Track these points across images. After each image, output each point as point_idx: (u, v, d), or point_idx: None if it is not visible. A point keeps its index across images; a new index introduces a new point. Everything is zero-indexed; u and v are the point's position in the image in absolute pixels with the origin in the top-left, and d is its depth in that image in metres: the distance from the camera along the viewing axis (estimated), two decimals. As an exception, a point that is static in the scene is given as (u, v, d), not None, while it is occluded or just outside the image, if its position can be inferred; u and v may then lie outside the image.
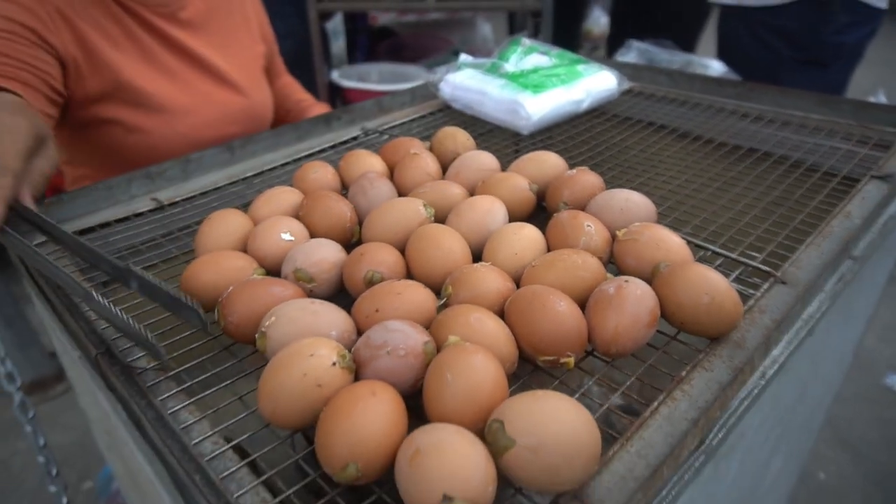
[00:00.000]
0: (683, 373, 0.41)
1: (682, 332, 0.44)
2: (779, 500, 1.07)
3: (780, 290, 0.48)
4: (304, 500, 0.34)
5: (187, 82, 0.92)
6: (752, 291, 0.47)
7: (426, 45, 2.15)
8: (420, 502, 0.30)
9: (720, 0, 1.48)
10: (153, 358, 0.41)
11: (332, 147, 0.77)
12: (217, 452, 0.35)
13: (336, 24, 2.09)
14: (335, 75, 1.88)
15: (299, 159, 0.74)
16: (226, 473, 0.34)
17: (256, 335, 0.41)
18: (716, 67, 0.98)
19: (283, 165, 0.73)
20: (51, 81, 0.75)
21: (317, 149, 0.76)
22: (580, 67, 0.85)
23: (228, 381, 0.41)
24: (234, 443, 0.36)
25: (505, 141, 0.81)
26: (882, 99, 0.91)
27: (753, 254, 0.52)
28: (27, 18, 0.74)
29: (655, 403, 0.38)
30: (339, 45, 2.15)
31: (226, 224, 0.52)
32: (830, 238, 0.54)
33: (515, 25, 2.61)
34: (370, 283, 0.46)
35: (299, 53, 1.92)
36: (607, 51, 2.57)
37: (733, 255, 0.52)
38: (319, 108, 1.12)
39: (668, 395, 0.39)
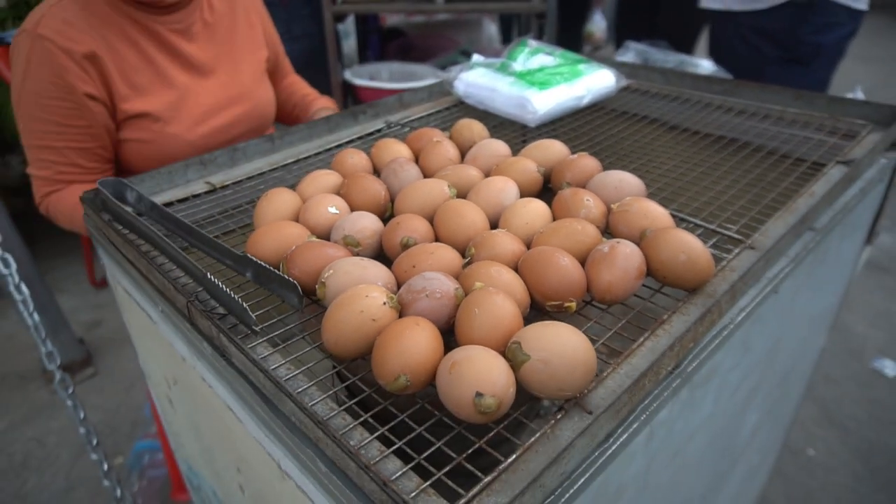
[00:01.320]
0: (665, 316, 0.50)
1: (664, 285, 0.53)
2: (762, 467, 1.17)
3: (749, 254, 0.57)
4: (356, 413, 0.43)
5: (198, 95, 1.01)
6: (725, 255, 0.56)
7: (434, 45, 2.24)
8: (458, 398, 0.39)
9: (710, 6, 1.58)
10: (241, 322, 0.49)
11: (360, 138, 0.86)
12: (290, 375, 0.45)
13: (347, 25, 2.19)
14: (348, 74, 1.97)
15: (330, 149, 0.84)
16: (299, 390, 0.43)
17: (317, 285, 0.50)
18: (706, 66, 1.06)
19: (316, 154, 0.82)
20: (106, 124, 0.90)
21: (346, 139, 0.86)
22: (581, 66, 0.94)
23: (292, 325, 0.50)
24: (304, 367, 0.46)
25: (514, 132, 0.90)
26: (860, 95, 0.99)
27: (729, 226, 0.62)
28: (73, 80, 0.87)
29: (641, 339, 0.48)
30: (350, 45, 2.24)
31: (280, 200, 0.62)
32: (795, 213, 0.63)
33: (515, 27, 2.70)
34: (405, 246, 0.55)
35: (314, 53, 2.02)
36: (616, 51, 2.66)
37: (712, 227, 0.61)
38: (324, 101, 1.20)
39: (652, 333, 0.48)
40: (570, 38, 2.62)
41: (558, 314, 0.50)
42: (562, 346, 0.41)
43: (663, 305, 0.52)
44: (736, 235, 0.59)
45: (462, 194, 0.64)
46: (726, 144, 0.79)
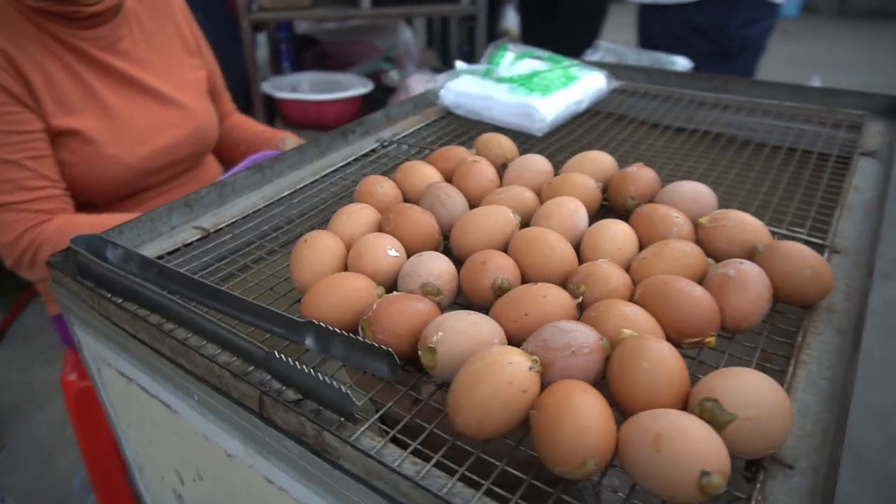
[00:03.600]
0: (799, 338, 0.46)
1: (778, 302, 0.49)
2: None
3: (837, 258, 0.54)
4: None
5: (134, 114, 0.93)
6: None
7: (352, 51, 2.13)
8: (672, 479, 0.32)
9: (639, 0, 1.61)
10: (336, 412, 0.39)
11: (356, 160, 0.77)
12: (424, 471, 0.36)
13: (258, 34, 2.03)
14: (266, 87, 1.82)
15: (327, 175, 0.73)
16: (444, 490, 0.35)
17: (421, 350, 0.42)
18: (681, 63, 1.06)
19: (314, 183, 0.72)
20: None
21: (340, 162, 0.76)
22: (574, 70, 0.89)
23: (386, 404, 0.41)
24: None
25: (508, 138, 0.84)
26: (818, 83, 1.03)
27: (798, 230, 0.59)
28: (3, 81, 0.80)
29: (791, 368, 0.43)
30: (261, 56, 2.09)
31: (323, 246, 0.51)
32: (853, 209, 0.62)
33: (436, 30, 2.64)
34: (501, 290, 0.47)
35: (224, 65, 1.85)
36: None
37: (783, 231, 0.58)
38: (289, 136, 1.11)
39: (798, 360, 0.44)
40: (488, 36, 2.60)
41: (691, 349, 0.45)
42: (767, 399, 0.35)
43: (784, 325, 0.48)
44: (817, 240, 0.57)
45: (525, 221, 0.56)
46: (743, 143, 0.77)
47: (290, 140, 1.08)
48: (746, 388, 0.35)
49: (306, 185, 0.71)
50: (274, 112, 1.92)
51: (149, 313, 0.49)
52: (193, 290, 0.50)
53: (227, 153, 1.16)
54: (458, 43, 2.27)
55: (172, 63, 0.99)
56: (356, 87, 1.85)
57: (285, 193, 0.69)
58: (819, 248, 0.56)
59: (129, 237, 0.59)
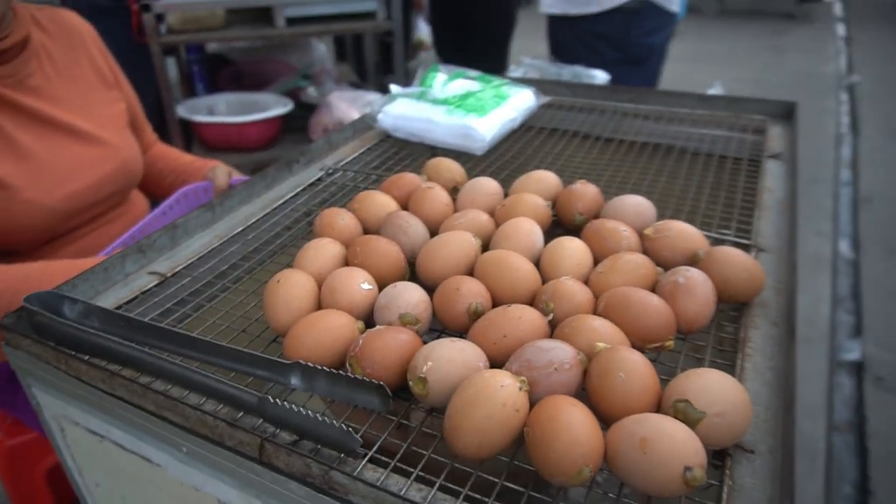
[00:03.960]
0: (742, 334, 0.51)
1: (720, 302, 0.55)
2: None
3: (764, 256, 0.61)
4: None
5: (51, 154, 0.90)
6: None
7: (267, 70, 2.10)
8: (661, 478, 0.36)
9: (549, 11, 1.69)
10: (337, 449, 0.41)
11: (304, 190, 0.77)
12: (430, 496, 0.38)
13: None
14: (181, 110, 1.77)
15: (277, 207, 0.73)
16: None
17: (412, 381, 0.44)
18: (600, 77, 1.13)
19: (265, 217, 0.72)
20: None
21: (289, 194, 0.76)
22: (504, 88, 0.94)
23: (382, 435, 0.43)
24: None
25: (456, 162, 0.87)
26: (720, 90, 1.12)
27: (726, 231, 0.65)
28: None
29: (739, 361, 0.48)
30: (171, 78, 2.01)
31: (297, 284, 0.52)
32: (769, 209, 0.69)
33: (348, 46, 2.64)
34: (475, 313, 0.50)
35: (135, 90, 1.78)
36: (438, 57, 2.72)
37: (713, 235, 0.64)
38: (219, 165, 1.09)
39: (742, 354, 0.49)
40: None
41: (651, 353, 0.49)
42: (731, 395, 0.40)
43: (720, 321, 0.54)
44: (743, 241, 0.63)
45: (484, 243, 0.59)
46: (666, 151, 0.84)
47: (221, 169, 1.06)
48: (711, 388, 0.40)
49: (258, 220, 0.71)
50: (191, 136, 1.86)
51: (120, 368, 0.48)
52: (167, 341, 0.50)
53: (152, 185, 1.12)
54: (374, 56, 2.28)
55: (89, 98, 0.96)
56: (276, 106, 1.83)
57: (238, 230, 0.68)
58: (746, 248, 0.62)
59: (84, 289, 0.58)
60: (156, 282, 0.61)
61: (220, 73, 2.07)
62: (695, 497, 0.39)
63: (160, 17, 1.65)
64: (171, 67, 2.06)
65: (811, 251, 2.36)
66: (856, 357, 1.98)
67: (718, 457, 0.41)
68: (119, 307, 0.57)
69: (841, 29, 5.32)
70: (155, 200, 1.13)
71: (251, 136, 1.78)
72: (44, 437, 0.79)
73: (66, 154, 0.90)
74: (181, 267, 0.63)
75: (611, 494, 0.40)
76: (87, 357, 0.49)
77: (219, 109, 1.88)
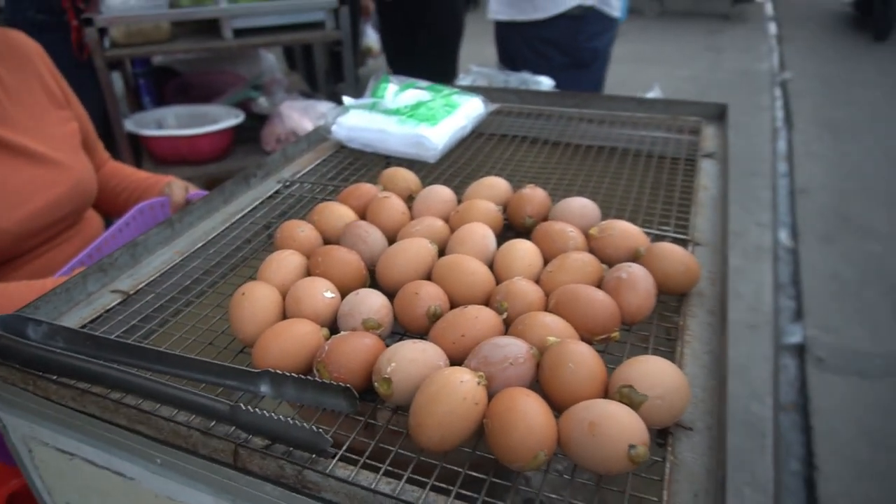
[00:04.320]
0: (681, 322, 0.55)
1: (661, 294, 0.59)
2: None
3: (700, 250, 0.66)
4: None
5: (3, 177, 0.89)
6: (683, 255, 0.64)
7: (216, 81, 2.08)
8: (609, 457, 0.40)
9: (496, 17, 1.73)
10: (309, 450, 0.43)
11: (262, 203, 0.79)
12: (399, 488, 0.41)
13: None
14: (129, 125, 1.74)
15: (236, 221, 0.75)
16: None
17: (377, 381, 0.46)
18: (546, 83, 1.17)
19: (225, 231, 0.73)
20: None
21: (248, 207, 0.77)
22: (455, 97, 0.97)
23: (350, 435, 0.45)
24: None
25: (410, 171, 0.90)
26: (658, 92, 1.18)
27: (665, 227, 0.70)
28: None
29: (678, 348, 0.52)
30: (117, 92, 1.98)
31: (262, 296, 0.54)
32: (704, 206, 0.74)
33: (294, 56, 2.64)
34: (434, 315, 0.53)
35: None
36: (387, 64, 2.75)
37: (655, 231, 0.69)
38: (174, 180, 1.10)
39: (683, 341, 0.53)
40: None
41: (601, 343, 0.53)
42: (669, 379, 0.43)
43: (663, 312, 0.58)
44: (681, 236, 0.68)
45: (441, 248, 0.62)
46: (609, 152, 0.89)
47: (177, 184, 1.07)
48: (652, 373, 0.44)
49: (218, 234, 0.72)
50: (140, 151, 1.84)
51: (90, 386, 0.49)
52: (136, 357, 0.51)
53: (107, 204, 1.12)
54: (324, 65, 2.29)
55: (41, 119, 0.95)
56: (227, 118, 1.82)
57: (199, 245, 0.70)
58: (684, 243, 0.67)
59: (46, 311, 0.58)
60: (119, 300, 0.62)
61: (167, 86, 2.04)
62: (641, 473, 0.42)
63: (103, 32, 1.62)
64: (117, 81, 2.02)
65: (753, 242, 2.47)
66: (798, 340, 2.09)
67: (662, 435, 0.45)
68: (83, 327, 0.58)
69: (773, 28, 5.57)
70: (110, 219, 1.13)
71: (203, 149, 1.77)
72: (3, 463, 0.78)
73: (20, 176, 0.89)
74: (143, 284, 0.64)
75: (566, 476, 0.43)
76: (55, 377, 0.50)
77: (168, 123, 1.86)
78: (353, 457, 0.44)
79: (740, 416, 1.72)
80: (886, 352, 1.96)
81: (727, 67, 4.48)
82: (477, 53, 2.93)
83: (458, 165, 0.88)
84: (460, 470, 0.43)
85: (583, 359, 0.45)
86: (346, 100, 0.96)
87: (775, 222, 2.67)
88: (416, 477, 0.42)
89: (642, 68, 4.48)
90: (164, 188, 1.06)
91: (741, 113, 3.63)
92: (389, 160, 0.90)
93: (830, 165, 3.11)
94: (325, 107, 1.86)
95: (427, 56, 2.54)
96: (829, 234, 2.57)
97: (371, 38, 3.23)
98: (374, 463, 0.43)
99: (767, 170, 3.00)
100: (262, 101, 2.01)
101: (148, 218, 0.98)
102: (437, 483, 0.42)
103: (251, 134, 1.91)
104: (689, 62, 4.63)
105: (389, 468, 0.43)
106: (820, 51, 4.85)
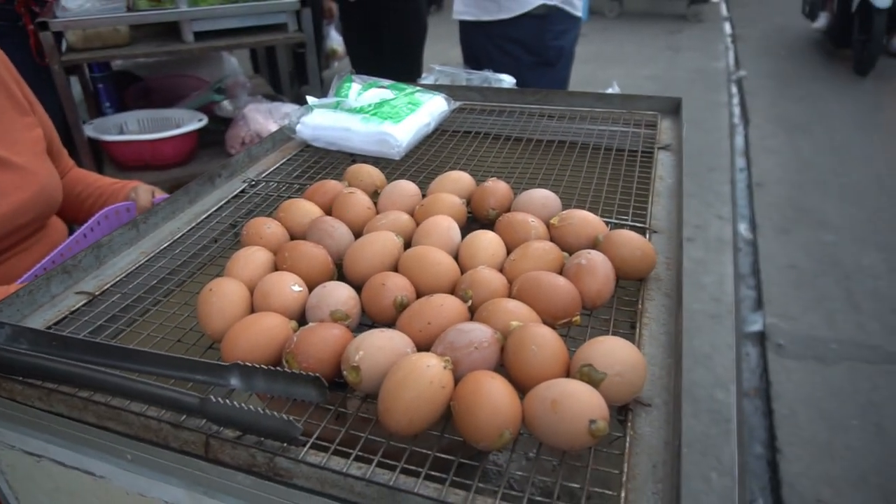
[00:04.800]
0: (640, 305, 0.58)
1: (620, 279, 0.61)
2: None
3: (657, 237, 0.68)
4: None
5: None
6: (641, 242, 0.66)
7: (178, 85, 2.05)
8: (568, 432, 0.41)
9: (462, 17, 1.75)
10: (280, 439, 0.43)
11: (228, 202, 0.79)
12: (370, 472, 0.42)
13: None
14: (90, 130, 1.71)
15: (202, 221, 0.75)
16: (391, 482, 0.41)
17: (346, 370, 0.47)
18: (507, 81, 1.19)
19: (191, 231, 0.73)
20: None
21: (213, 207, 0.78)
22: (418, 95, 0.98)
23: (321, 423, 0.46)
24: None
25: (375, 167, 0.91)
26: (617, 89, 1.22)
27: (623, 217, 0.72)
28: None
29: (637, 329, 0.55)
30: (76, 98, 1.94)
31: (230, 291, 0.55)
32: (661, 195, 0.77)
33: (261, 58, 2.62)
34: (401, 305, 0.54)
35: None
36: (352, 66, 2.74)
37: (614, 220, 0.71)
38: (139, 185, 1.09)
39: (641, 323, 0.56)
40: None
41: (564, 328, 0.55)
42: (627, 357, 0.45)
43: (625, 297, 0.60)
44: (639, 224, 0.70)
45: (407, 241, 0.64)
46: (570, 146, 0.91)
47: (143, 188, 1.06)
48: (611, 352, 0.46)
49: (184, 234, 0.72)
50: (101, 157, 1.80)
51: (58, 385, 0.49)
52: (104, 355, 0.51)
53: (72, 210, 1.10)
54: (289, 67, 2.28)
55: (5, 125, 0.94)
56: (190, 121, 1.80)
57: (165, 245, 0.70)
58: (642, 231, 0.69)
59: (9, 314, 0.58)
60: (84, 301, 0.61)
61: (128, 91, 2.01)
62: (603, 449, 0.44)
63: (59, 36, 1.59)
64: (76, 86, 1.99)
65: (714, 234, 2.54)
66: (759, 328, 2.16)
67: (622, 412, 0.47)
68: (48, 328, 0.58)
69: (728, 27, 5.72)
70: (74, 226, 1.11)
71: (166, 153, 1.75)
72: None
73: None
74: (109, 285, 0.63)
75: (531, 454, 0.45)
76: (20, 378, 0.50)
77: (130, 127, 1.83)
78: (325, 444, 0.45)
79: (705, 403, 1.77)
80: (841, 337, 2.04)
81: (686, 66, 4.59)
82: (441, 53, 2.95)
83: (422, 162, 0.89)
84: (429, 452, 0.44)
85: (545, 341, 0.47)
86: (310, 99, 0.97)
87: (735, 215, 2.75)
88: (386, 461, 0.43)
89: (604, 68, 4.56)
90: (129, 193, 1.05)
91: (700, 110, 3.73)
92: (355, 158, 0.91)
93: (785, 159, 3.21)
94: (289, 109, 1.85)
95: (391, 58, 2.55)
96: (786, 225, 2.66)
97: (335, 40, 3.22)
98: (344, 449, 0.44)
99: (726, 164, 3.09)
100: (226, 105, 1.99)
101: (113, 222, 0.97)
102: (406, 466, 0.43)
103: (215, 137, 1.89)
104: (649, 62, 4.73)
105: (360, 454, 0.44)
106: (771, 48, 5.00)
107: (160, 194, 1.05)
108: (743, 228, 2.69)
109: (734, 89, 4.22)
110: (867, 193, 2.85)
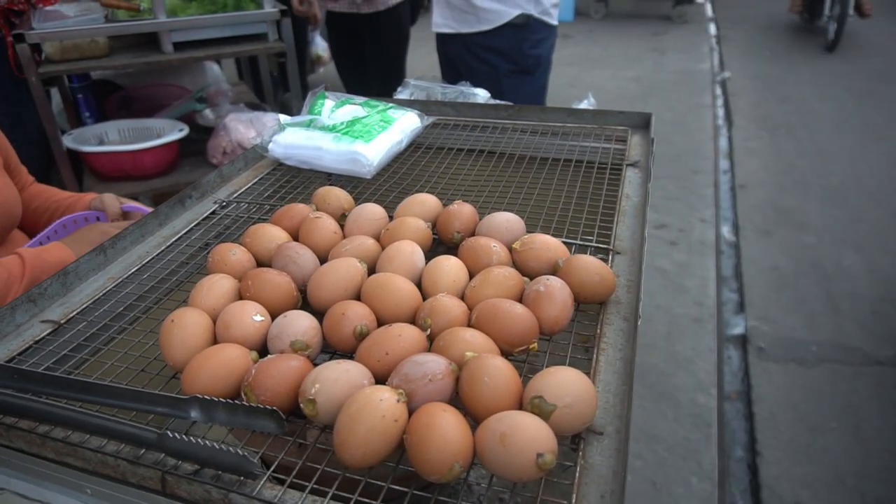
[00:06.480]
0: (598, 330, 0.59)
1: (580, 304, 0.62)
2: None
3: (619, 259, 0.69)
4: None
5: None
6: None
7: (160, 94, 2.05)
8: (518, 465, 0.42)
9: (441, 31, 1.76)
10: (236, 473, 0.44)
11: (198, 224, 0.79)
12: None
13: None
14: (69, 141, 1.70)
15: (171, 244, 0.75)
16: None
17: (302, 403, 0.48)
18: (482, 95, 1.20)
19: (160, 255, 0.73)
20: None
21: (183, 230, 0.78)
22: (390, 112, 0.99)
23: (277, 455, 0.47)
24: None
25: (346, 187, 0.91)
26: (592, 102, 1.22)
27: (588, 237, 0.73)
28: None
29: (594, 355, 0.56)
30: (55, 108, 1.94)
31: (192, 322, 0.55)
32: (626, 214, 0.78)
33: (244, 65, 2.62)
34: (361, 335, 0.55)
35: (15, 125, 1.70)
36: (338, 72, 2.75)
37: (578, 242, 0.72)
38: (102, 194, 1.09)
39: (598, 348, 0.57)
40: (298, 64, 2.63)
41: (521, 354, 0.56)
42: (577, 388, 0.46)
43: (585, 321, 0.61)
44: (603, 245, 0.71)
45: (371, 266, 0.64)
46: (541, 161, 0.92)
47: (108, 196, 1.06)
48: (562, 383, 0.47)
49: (153, 258, 0.73)
50: (81, 168, 1.80)
51: (17, 420, 0.50)
52: (63, 388, 0.51)
53: (31, 225, 1.11)
54: (272, 73, 2.28)
55: None
56: (171, 131, 1.80)
57: (133, 270, 0.70)
58: (605, 252, 0.70)
59: (-27, 345, 0.58)
60: (49, 330, 0.62)
61: (109, 100, 2.01)
62: (554, 479, 0.45)
63: (37, 48, 1.59)
64: (55, 96, 1.98)
65: (697, 237, 2.56)
66: (740, 331, 2.18)
67: (575, 441, 0.48)
68: (12, 359, 0.58)
69: (713, 28, 5.76)
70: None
71: (147, 164, 1.75)
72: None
73: None
74: (75, 313, 0.64)
75: (482, 484, 0.45)
76: (-20, 413, 0.50)
77: (110, 138, 1.83)
78: (282, 477, 0.46)
79: (687, 408, 1.79)
80: (821, 339, 2.06)
81: (670, 68, 4.61)
82: (421, 60, 2.96)
83: (394, 180, 0.90)
84: (384, 484, 0.45)
85: (498, 372, 0.47)
86: (283, 118, 0.97)
87: (718, 218, 2.77)
88: (341, 493, 0.44)
89: (589, 70, 4.58)
90: (91, 202, 1.05)
91: (684, 112, 3.75)
92: (331, 177, 0.91)
93: (767, 161, 3.24)
94: (270, 118, 1.86)
95: (375, 63, 2.56)
96: (768, 227, 2.68)
97: (320, 46, 3.22)
98: (301, 482, 0.45)
99: (710, 167, 3.11)
100: (208, 114, 1.99)
101: (71, 231, 0.98)
102: (360, 499, 0.44)
103: (197, 147, 1.89)
104: (634, 63, 4.75)
105: (316, 486, 0.45)
106: (755, 50, 5.04)
107: (126, 202, 1.05)
108: (726, 231, 2.72)
109: (718, 91, 4.24)
110: (848, 194, 2.88)
